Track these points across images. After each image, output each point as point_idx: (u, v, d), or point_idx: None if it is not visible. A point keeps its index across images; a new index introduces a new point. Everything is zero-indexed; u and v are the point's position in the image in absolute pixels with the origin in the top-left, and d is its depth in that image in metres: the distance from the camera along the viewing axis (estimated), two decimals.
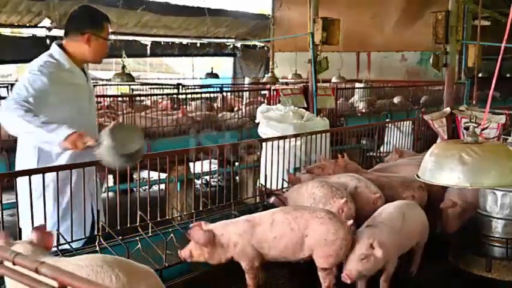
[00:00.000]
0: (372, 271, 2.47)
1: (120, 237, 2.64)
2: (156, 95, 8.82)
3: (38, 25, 12.26)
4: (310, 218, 2.44)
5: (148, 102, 8.15)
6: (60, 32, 11.97)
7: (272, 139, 3.95)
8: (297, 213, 2.48)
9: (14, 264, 1.11)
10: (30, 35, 12.53)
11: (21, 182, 2.53)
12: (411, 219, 2.81)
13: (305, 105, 6.58)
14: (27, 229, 2.42)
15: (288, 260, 2.54)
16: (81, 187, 2.76)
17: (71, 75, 3.07)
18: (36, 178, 2.56)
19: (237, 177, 5.91)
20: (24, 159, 3.04)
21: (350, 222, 2.48)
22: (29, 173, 2.57)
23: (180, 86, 9.47)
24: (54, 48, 3.05)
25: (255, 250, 2.45)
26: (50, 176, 2.66)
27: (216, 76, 14.24)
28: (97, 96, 9.45)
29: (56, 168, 2.69)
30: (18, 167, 3.05)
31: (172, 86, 9.91)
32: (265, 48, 16.58)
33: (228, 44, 16.60)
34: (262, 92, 8.74)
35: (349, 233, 2.43)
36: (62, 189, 2.74)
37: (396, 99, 9.89)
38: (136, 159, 2.65)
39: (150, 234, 2.73)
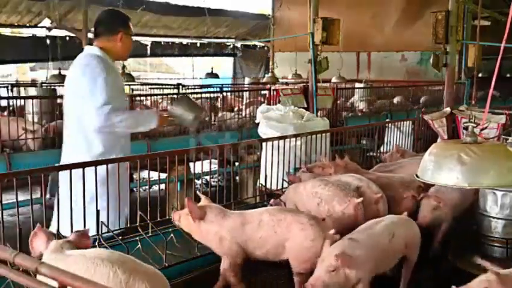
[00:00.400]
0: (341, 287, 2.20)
1: (120, 237, 2.64)
2: (156, 95, 8.81)
3: (38, 25, 12.27)
4: (292, 222, 2.44)
5: (148, 103, 8.14)
6: (60, 32, 12.02)
7: (272, 139, 3.95)
8: (281, 216, 2.48)
9: (14, 264, 1.12)
10: (30, 35, 12.54)
11: (66, 175, 2.70)
12: (400, 238, 2.57)
13: (305, 105, 6.58)
14: (65, 219, 2.69)
15: (270, 260, 2.54)
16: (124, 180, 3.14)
17: (113, 71, 3.56)
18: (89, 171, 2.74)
19: (237, 177, 5.91)
20: (92, 150, 3.41)
21: (332, 231, 2.39)
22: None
23: (180, 86, 9.46)
24: (93, 49, 3.50)
25: (241, 248, 2.46)
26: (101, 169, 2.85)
27: (216, 76, 14.23)
28: None
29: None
30: (79, 157, 3.23)
31: (172, 86, 9.89)
32: (265, 48, 16.58)
33: (228, 44, 16.61)
34: (262, 92, 8.73)
35: (328, 242, 2.33)
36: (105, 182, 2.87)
37: (396, 99, 9.88)
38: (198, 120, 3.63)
39: (150, 234, 2.73)
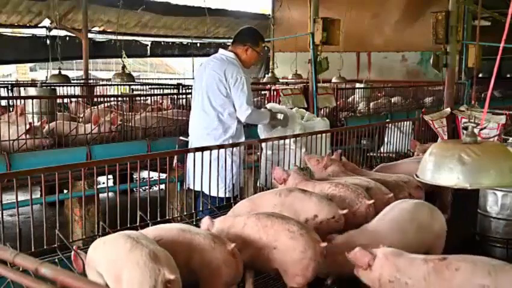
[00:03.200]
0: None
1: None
2: (156, 95, 8.80)
3: (38, 25, 12.26)
4: (280, 230, 2.27)
5: (148, 102, 8.13)
6: (60, 32, 12.01)
7: (272, 139, 3.96)
8: (267, 222, 2.32)
9: (14, 264, 1.12)
10: (30, 35, 12.53)
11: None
12: (421, 225, 2.61)
13: (305, 106, 6.58)
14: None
15: (257, 269, 2.44)
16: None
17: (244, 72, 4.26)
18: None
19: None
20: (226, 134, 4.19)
21: (324, 244, 2.29)
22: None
23: (180, 86, 9.45)
24: (230, 53, 4.29)
25: None
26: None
27: None
28: (97, 96, 9.50)
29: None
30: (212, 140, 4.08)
31: (172, 86, 9.88)
32: (266, 48, 16.57)
33: (228, 44, 16.59)
34: (263, 92, 8.73)
35: (320, 254, 2.26)
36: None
37: (395, 99, 9.88)
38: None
39: None
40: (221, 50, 4.39)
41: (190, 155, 3.43)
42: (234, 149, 3.92)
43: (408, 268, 2.07)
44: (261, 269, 2.44)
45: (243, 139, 4.21)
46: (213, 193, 3.81)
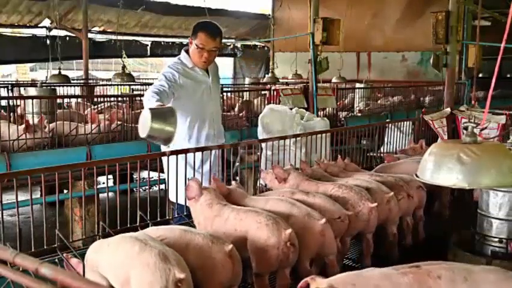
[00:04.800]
0: None
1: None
2: None
3: (38, 25, 12.26)
4: (251, 222, 2.40)
5: None
6: (60, 32, 12.01)
7: (272, 139, 3.96)
8: (243, 215, 2.46)
9: (14, 264, 1.12)
10: (30, 35, 12.53)
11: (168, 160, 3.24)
12: None
13: (305, 106, 6.58)
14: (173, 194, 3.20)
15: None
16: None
17: (193, 72, 3.81)
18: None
19: (237, 177, 5.91)
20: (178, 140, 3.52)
21: (289, 231, 2.34)
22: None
23: None
24: (182, 52, 3.86)
25: None
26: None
27: None
28: (97, 96, 9.50)
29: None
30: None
31: None
32: (266, 48, 16.58)
33: (228, 44, 16.59)
34: (263, 92, 8.73)
35: (284, 243, 2.32)
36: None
37: (395, 99, 9.88)
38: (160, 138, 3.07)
39: None
40: None
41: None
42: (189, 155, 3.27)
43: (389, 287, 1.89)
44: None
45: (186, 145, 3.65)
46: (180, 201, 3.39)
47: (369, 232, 2.97)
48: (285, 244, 2.33)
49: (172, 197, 3.34)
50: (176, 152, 3.25)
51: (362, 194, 2.91)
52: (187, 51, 3.85)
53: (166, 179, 3.57)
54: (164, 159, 3.39)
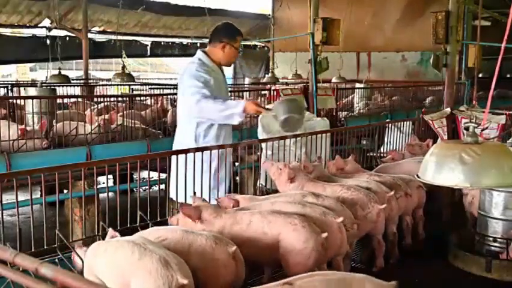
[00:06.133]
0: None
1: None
2: (156, 95, 8.80)
3: (38, 25, 12.26)
4: (283, 224, 2.38)
5: (148, 103, 8.14)
6: (60, 32, 12.02)
7: (272, 139, 3.95)
8: (271, 218, 2.43)
9: (14, 264, 1.11)
10: (30, 35, 12.53)
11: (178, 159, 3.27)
12: None
13: (305, 106, 6.57)
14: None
15: (263, 264, 2.51)
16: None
17: (214, 71, 3.96)
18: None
19: (237, 177, 5.91)
20: (185, 140, 3.84)
21: (325, 235, 2.37)
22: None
23: None
24: (199, 53, 4.00)
25: None
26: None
27: None
28: (97, 96, 9.49)
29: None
30: (177, 146, 3.89)
31: (172, 86, 9.89)
32: (266, 48, 16.57)
33: None
34: (263, 92, 8.72)
35: (321, 245, 2.35)
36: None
37: (395, 99, 9.88)
38: (296, 127, 3.76)
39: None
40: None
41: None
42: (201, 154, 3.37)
43: None
44: (265, 263, 2.51)
45: (206, 143, 3.75)
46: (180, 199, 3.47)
47: (379, 234, 3.00)
48: (322, 246, 2.35)
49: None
50: (176, 152, 3.25)
51: (370, 196, 2.91)
52: (204, 52, 4.01)
53: (170, 179, 3.58)
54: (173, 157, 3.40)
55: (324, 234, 2.36)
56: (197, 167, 3.21)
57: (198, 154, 3.25)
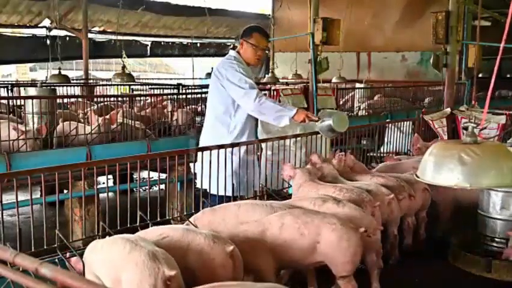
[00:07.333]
0: None
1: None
2: (156, 95, 8.80)
3: (38, 25, 12.26)
4: (321, 224, 2.38)
5: (148, 102, 8.14)
6: (60, 32, 12.00)
7: (272, 139, 3.95)
8: (307, 219, 2.42)
9: (14, 264, 1.12)
10: (30, 35, 12.53)
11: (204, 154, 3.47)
12: None
13: (305, 106, 6.57)
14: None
15: (299, 266, 2.52)
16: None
17: (249, 69, 4.13)
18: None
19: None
20: (218, 132, 3.96)
21: (362, 229, 2.44)
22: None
23: (180, 86, 9.45)
24: (232, 52, 4.19)
25: (270, 254, 2.41)
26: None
27: None
28: (97, 96, 9.49)
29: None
30: (207, 137, 4.00)
31: (172, 86, 9.89)
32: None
33: (228, 44, 16.59)
34: (263, 92, 8.72)
35: (361, 239, 2.42)
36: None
37: (395, 99, 9.88)
38: (337, 134, 4.03)
39: None
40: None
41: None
42: (234, 149, 3.82)
43: None
44: (300, 265, 2.51)
45: (244, 138, 3.98)
46: (213, 191, 3.75)
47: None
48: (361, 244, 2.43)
49: (206, 187, 3.63)
50: (176, 152, 3.25)
51: (363, 197, 2.92)
52: (238, 52, 4.16)
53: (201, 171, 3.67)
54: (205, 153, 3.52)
55: (362, 229, 2.43)
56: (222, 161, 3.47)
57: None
